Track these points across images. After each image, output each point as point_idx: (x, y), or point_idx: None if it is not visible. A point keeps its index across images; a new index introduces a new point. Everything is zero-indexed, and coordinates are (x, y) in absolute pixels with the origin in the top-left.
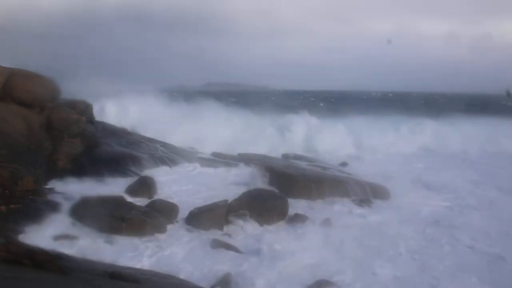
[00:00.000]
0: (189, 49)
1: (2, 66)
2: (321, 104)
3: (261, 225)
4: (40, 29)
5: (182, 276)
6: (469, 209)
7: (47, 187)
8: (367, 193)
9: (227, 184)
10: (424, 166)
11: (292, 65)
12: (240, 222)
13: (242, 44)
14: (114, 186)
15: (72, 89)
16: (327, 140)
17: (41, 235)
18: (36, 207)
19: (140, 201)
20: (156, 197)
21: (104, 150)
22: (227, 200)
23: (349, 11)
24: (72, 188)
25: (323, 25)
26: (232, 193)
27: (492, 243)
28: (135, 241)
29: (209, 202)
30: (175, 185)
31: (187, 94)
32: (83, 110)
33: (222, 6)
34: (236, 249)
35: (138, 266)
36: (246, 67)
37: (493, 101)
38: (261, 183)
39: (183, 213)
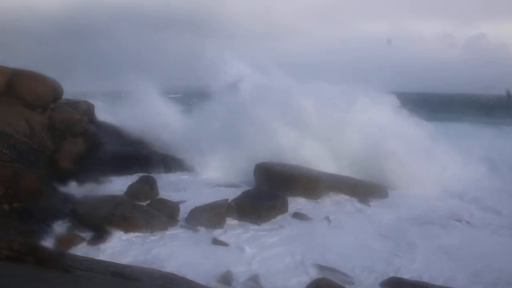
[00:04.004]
0: (190, 50)
1: (5, 66)
2: None
3: (261, 223)
4: (40, 30)
5: (182, 274)
6: None
7: (49, 186)
8: (366, 192)
9: (227, 184)
10: None
11: (291, 66)
12: (240, 220)
13: (241, 45)
14: (115, 185)
15: (74, 89)
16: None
17: (44, 233)
18: (38, 206)
19: (142, 200)
20: (157, 196)
21: (105, 150)
22: (227, 199)
23: (346, 12)
24: (74, 187)
25: (320, 27)
26: (232, 192)
27: None
28: (137, 239)
29: (209, 201)
30: (176, 184)
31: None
32: (85, 110)
33: (221, 8)
34: (236, 247)
35: (139, 264)
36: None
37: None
38: (261, 182)
39: (184, 212)
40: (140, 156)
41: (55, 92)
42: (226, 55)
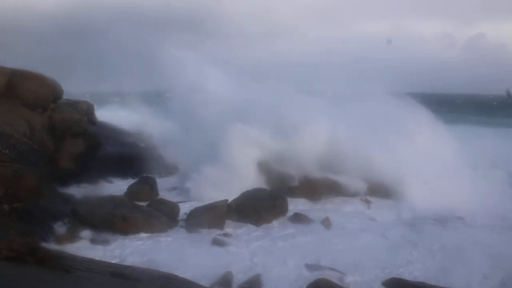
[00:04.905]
0: (190, 50)
1: (4, 67)
2: None
3: (260, 224)
4: (40, 30)
5: (182, 274)
6: None
7: (49, 186)
8: (367, 192)
9: (227, 184)
10: None
11: (291, 66)
12: (240, 221)
13: (240, 45)
14: (115, 186)
15: (74, 89)
16: None
17: (44, 233)
18: (38, 206)
19: (142, 201)
20: (157, 197)
21: (105, 150)
22: (227, 200)
23: (346, 12)
24: (74, 188)
25: (320, 27)
26: (232, 193)
27: None
28: (137, 240)
29: (209, 201)
30: (176, 184)
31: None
32: (85, 110)
33: (221, 8)
34: (236, 248)
35: (139, 264)
36: (245, 69)
37: None
38: (261, 182)
39: (183, 212)
40: (140, 157)
41: (55, 92)
42: (184, 58)
